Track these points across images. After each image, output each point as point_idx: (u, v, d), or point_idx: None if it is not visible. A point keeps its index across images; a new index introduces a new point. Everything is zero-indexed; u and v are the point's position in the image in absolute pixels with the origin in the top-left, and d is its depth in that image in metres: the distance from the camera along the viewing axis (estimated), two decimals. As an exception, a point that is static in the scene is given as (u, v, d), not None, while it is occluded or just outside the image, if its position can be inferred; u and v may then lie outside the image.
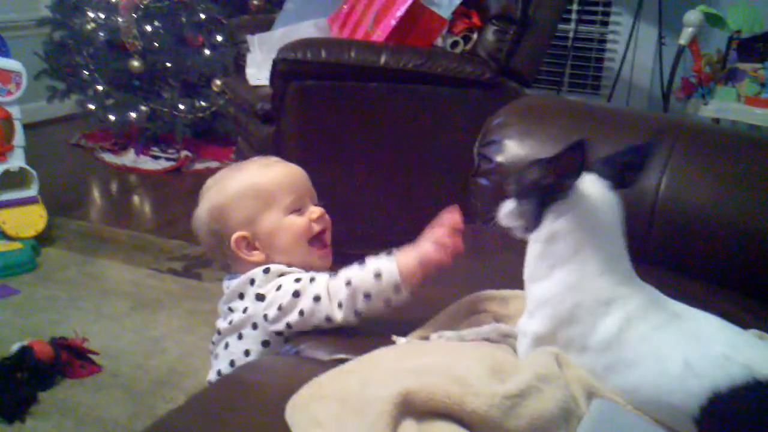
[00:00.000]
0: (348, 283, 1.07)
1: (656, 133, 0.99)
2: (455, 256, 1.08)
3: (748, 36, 2.81)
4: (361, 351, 0.96)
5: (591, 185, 0.94)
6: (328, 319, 1.08)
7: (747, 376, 0.79)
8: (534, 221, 0.96)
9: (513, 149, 1.50)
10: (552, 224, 0.94)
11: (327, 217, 1.29)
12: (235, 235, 1.23)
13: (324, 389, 0.85)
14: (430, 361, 0.87)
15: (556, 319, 0.92)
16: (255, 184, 1.25)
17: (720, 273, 1.31)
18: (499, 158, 1.51)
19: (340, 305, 1.07)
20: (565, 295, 0.92)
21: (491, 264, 1.30)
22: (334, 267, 1.27)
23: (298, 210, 1.25)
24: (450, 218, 1.10)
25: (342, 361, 0.95)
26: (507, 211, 0.99)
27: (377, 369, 0.87)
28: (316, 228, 1.26)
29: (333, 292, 1.08)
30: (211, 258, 1.36)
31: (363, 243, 2.06)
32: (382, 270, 1.06)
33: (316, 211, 1.27)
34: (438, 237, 1.08)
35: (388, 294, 1.06)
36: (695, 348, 0.85)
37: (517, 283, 1.06)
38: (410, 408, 0.78)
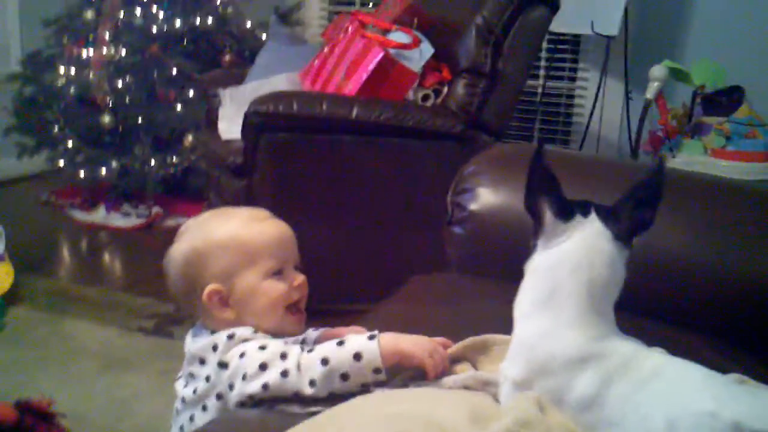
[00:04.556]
0: (324, 362, 1.01)
1: (658, 163, 0.96)
2: (439, 373, 1.03)
3: (712, 91, 2.88)
4: (337, 402, 0.93)
5: (588, 228, 0.91)
6: (297, 394, 1.01)
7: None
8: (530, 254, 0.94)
9: (486, 197, 1.50)
10: (537, 255, 0.93)
11: (306, 284, 1.21)
12: (209, 288, 1.15)
13: (298, 442, 0.82)
14: (408, 409, 0.85)
15: (530, 366, 0.90)
16: (241, 238, 1.17)
17: (696, 317, 1.30)
18: (473, 206, 1.51)
19: (312, 383, 1.00)
20: (538, 341, 0.90)
21: (467, 312, 1.29)
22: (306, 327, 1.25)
23: (279, 273, 1.18)
24: (442, 342, 1.07)
25: (316, 413, 0.92)
26: None
27: (353, 418, 0.84)
28: (295, 296, 1.19)
29: (305, 367, 1.01)
30: (177, 303, 1.26)
31: (336, 298, 2.06)
32: (363, 351, 1.01)
33: (297, 278, 1.20)
34: (432, 347, 1.04)
35: (366, 376, 1.00)
36: (679, 406, 0.82)
37: (493, 331, 1.06)
38: (389, 458, 0.76)
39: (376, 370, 1.00)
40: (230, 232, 1.18)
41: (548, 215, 0.91)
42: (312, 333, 1.24)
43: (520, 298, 0.95)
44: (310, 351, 1.04)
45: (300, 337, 1.20)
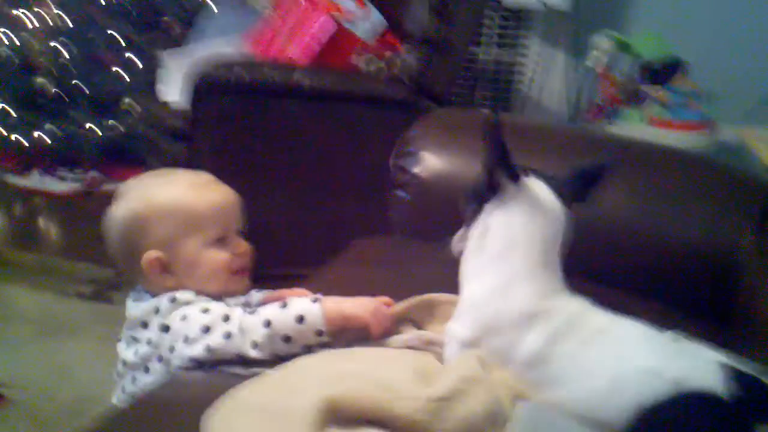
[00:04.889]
0: (267, 324, 1.00)
1: (616, 152, 1.02)
2: (383, 332, 1.04)
3: (653, 61, 2.93)
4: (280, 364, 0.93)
5: (535, 189, 0.94)
6: (240, 356, 1.01)
7: (673, 390, 0.79)
8: (473, 218, 0.96)
9: (429, 160, 1.51)
10: (486, 218, 0.94)
11: (251, 251, 1.20)
12: (149, 255, 1.13)
13: (243, 401, 0.82)
14: (354, 367, 0.86)
15: (479, 325, 0.91)
16: (184, 205, 1.14)
17: (641, 283, 1.34)
18: (416, 169, 1.52)
19: (254, 345, 1.00)
20: (490, 299, 0.92)
21: (410, 274, 1.30)
22: (249, 288, 1.23)
23: (221, 240, 1.16)
24: (384, 301, 1.08)
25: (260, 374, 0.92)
26: (457, 235, 0.99)
27: (299, 378, 0.84)
28: (238, 264, 1.18)
29: (248, 329, 1.00)
30: (116, 266, 1.23)
31: (280, 262, 2.05)
32: (306, 313, 1.00)
33: (241, 245, 1.19)
34: (374, 306, 1.04)
35: (309, 338, 1.00)
36: (622, 363, 0.85)
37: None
38: (335, 415, 0.76)
39: (319, 333, 1.00)
40: (173, 197, 1.16)
41: (501, 179, 0.93)
42: (255, 295, 1.23)
43: (468, 260, 0.97)
44: (252, 313, 1.03)
45: (242, 299, 1.20)
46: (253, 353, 1.00)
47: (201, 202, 1.16)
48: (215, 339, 1.01)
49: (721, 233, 1.36)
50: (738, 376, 0.81)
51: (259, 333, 1.00)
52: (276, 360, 0.97)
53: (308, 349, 1.01)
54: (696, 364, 0.83)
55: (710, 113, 2.69)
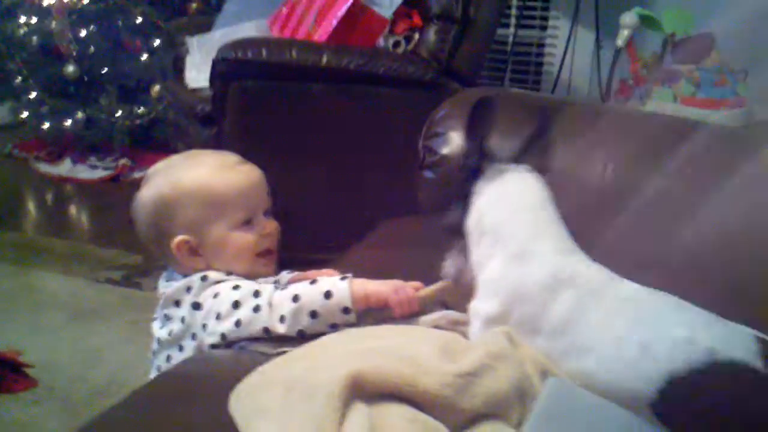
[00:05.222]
0: (295, 299, 1.01)
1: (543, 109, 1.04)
2: (406, 311, 1.03)
3: (682, 38, 2.88)
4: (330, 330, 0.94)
5: (508, 168, 0.98)
6: (267, 330, 1.01)
7: (707, 358, 0.78)
8: (464, 212, 0.98)
9: (458, 141, 1.48)
10: (478, 203, 0.96)
11: (278, 230, 1.21)
12: (178, 238, 1.14)
13: (269, 377, 0.82)
14: (380, 344, 0.85)
15: (504, 297, 0.90)
16: (210, 188, 1.15)
17: (667, 261, 1.31)
18: (445, 150, 1.50)
19: (282, 319, 1.01)
20: (510, 269, 0.91)
21: (436, 255, 1.28)
22: (279, 271, 1.23)
23: (248, 222, 1.17)
24: (413, 285, 1.07)
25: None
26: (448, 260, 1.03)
27: (325, 354, 0.84)
28: (265, 244, 1.19)
29: (276, 304, 1.02)
30: (147, 249, 1.25)
31: (308, 247, 2.05)
32: (333, 290, 1.01)
33: (267, 226, 1.19)
34: (399, 285, 1.04)
35: (335, 315, 1.00)
36: (653, 332, 0.83)
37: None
38: (360, 390, 0.76)
39: (345, 310, 1.00)
40: (199, 179, 1.16)
41: (485, 160, 0.97)
42: (285, 275, 1.24)
43: (474, 250, 0.97)
44: (282, 289, 1.04)
45: (273, 278, 1.20)
46: (281, 328, 1.00)
47: (227, 185, 1.16)
48: (244, 313, 1.02)
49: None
50: (774, 350, 0.79)
51: (287, 307, 1.01)
52: (301, 339, 0.97)
53: (334, 328, 1.01)
54: (730, 335, 0.81)
55: (742, 90, 2.63)
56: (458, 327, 0.99)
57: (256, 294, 1.04)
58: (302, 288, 1.02)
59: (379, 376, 0.76)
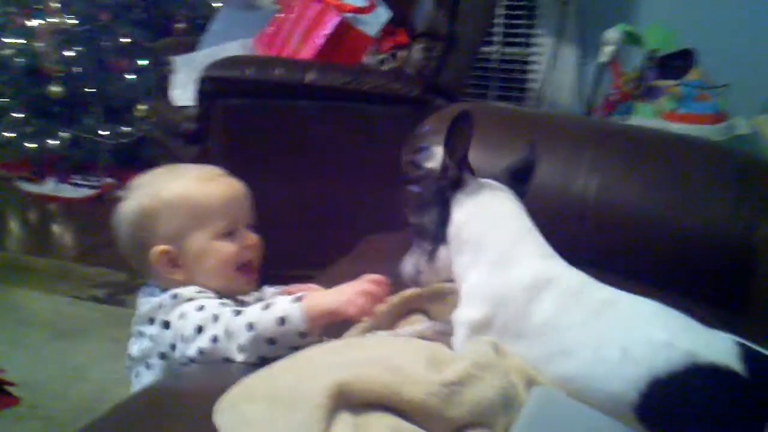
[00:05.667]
0: (250, 327, 0.97)
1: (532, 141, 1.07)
2: (367, 314, 1.01)
3: (664, 54, 2.91)
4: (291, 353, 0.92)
5: (487, 182, 1.00)
6: (228, 360, 0.99)
7: (688, 361, 0.78)
8: (441, 224, 0.99)
9: (442, 155, 1.49)
10: (458, 215, 0.98)
11: (259, 244, 1.19)
12: (157, 248, 1.12)
13: (254, 388, 0.81)
14: (365, 355, 0.84)
15: (488, 301, 0.91)
16: (191, 198, 1.13)
17: (657, 273, 1.32)
18: (429, 164, 1.51)
19: (240, 348, 0.98)
20: (493, 274, 0.92)
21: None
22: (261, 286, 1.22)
23: (230, 233, 1.15)
24: (374, 279, 1.04)
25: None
26: (408, 258, 1.04)
27: (309, 365, 0.83)
28: (247, 256, 1.16)
29: (233, 332, 0.98)
30: (128, 264, 1.21)
31: (293, 263, 2.04)
32: (288, 316, 0.97)
33: (250, 238, 1.17)
34: (355, 292, 1.00)
35: (293, 340, 0.97)
36: (633, 334, 0.84)
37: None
38: (346, 400, 0.75)
39: (302, 335, 0.97)
40: (180, 190, 1.14)
41: (464, 173, 0.98)
42: (269, 290, 1.22)
43: (456, 260, 0.98)
44: (239, 314, 1.00)
45: (255, 294, 1.19)
46: (240, 357, 0.97)
47: (208, 195, 1.15)
48: (205, 342, 0.99)
49: (738, 221, 1.34)
50: (754, 355, 0.79)
51: (244, 336, 0.97)
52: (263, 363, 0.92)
53: (295, 350, 0.96)
54: (710, 339, 0.82)
55: (723, 105, 2.66)
56: (444, 338, 0.99)
57: (215, 319, 1.00)
58: (257, 315, 0.99)
59: (365, 386, 0.75)
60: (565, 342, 0.85)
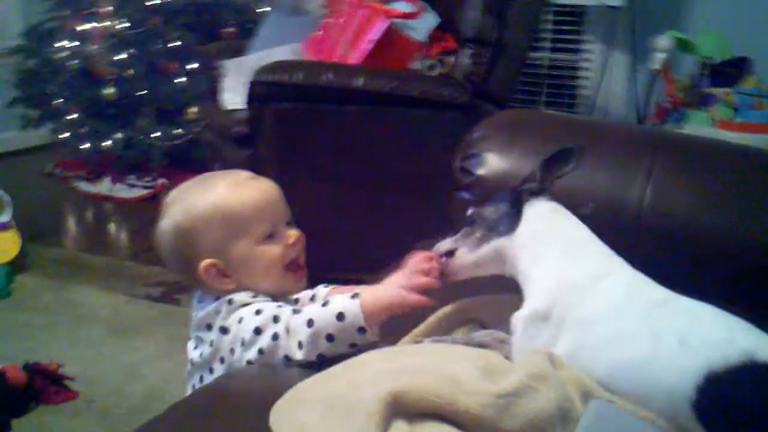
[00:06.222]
0: (310, 324, 0.99)
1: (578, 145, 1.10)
2: (428, 294, 1.03)
3: (718, 61, 2.86)
4: (347, 357, 0.94)
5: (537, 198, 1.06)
6: (288, 358, 1.00)
7: (746, 359, 0.78)
8: (506, 219, 1.04)
9: (494, 162, 1.49)
10: (532, 224, 1.02)
11: (302, 239, 1.19)
12: (204, 263, 1.12)
13: (309, 393, 0.82)
14: (420, 362, 0.85)
15: (551, 290, 0.94)
16: (224, 208, 1.12)
17: (708, 283, 1.30)
18: (481, 171, 1.50)
19: (300, 345, 0.99)
20: (559, 265, 0.97)
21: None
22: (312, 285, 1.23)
23: (271, 235, 1.15)
24: (420, 257, 1.07)
25: (327, 366, 0.93)
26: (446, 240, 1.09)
27: (364, 371, 0.84)
28: (292, 254, 1.16)
29: (293, 329, 1.00)
30: (176, 275, 1.25)
31: (342, 267, 2.06)
32: (346, 311, 0.98)
33: (291, 235, 1.16)
34: (408, 277, 1.02)
35: (352, 336, 0.98)
36: (692, 328, 0.85)
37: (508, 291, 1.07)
38: (401, 408, 0.76)
39: (361, 329, 0.98)
40: (211, 203, 1.13)
41: (547, 182, 1.06)
42: (322, 290, 1.24)
43: (523, 258, 1.02)
44: (297, 313, 1.02)
45: (310, 293, 1.21)
46: (299, 354, 0.99)
47: (242, 203, 1.14)
48: (265, 341, 1.01)
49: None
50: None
51: (304, 333, 0.99)
52: (323, 363, 0.95)
53: (356, 348, 0.99)
54: (766, 340, 0.82)
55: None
56: (503, 346, 0.99)
57: (276, 319, 1.02)
58: (315, 311, 1.00)
59: (419, 395, 0.76)
60: (623, 328, 0.87)
